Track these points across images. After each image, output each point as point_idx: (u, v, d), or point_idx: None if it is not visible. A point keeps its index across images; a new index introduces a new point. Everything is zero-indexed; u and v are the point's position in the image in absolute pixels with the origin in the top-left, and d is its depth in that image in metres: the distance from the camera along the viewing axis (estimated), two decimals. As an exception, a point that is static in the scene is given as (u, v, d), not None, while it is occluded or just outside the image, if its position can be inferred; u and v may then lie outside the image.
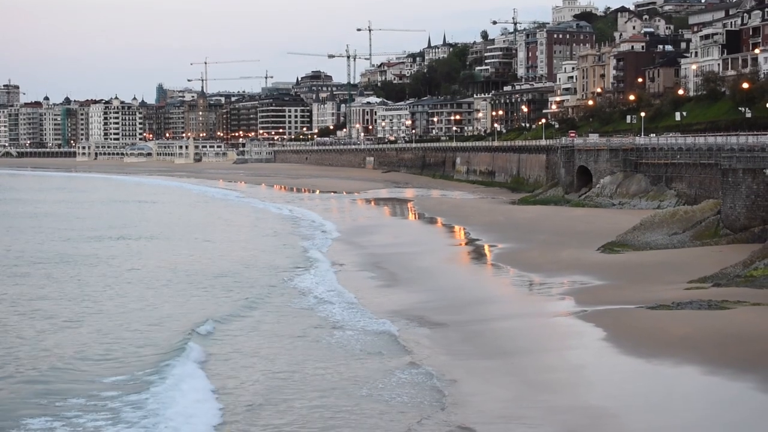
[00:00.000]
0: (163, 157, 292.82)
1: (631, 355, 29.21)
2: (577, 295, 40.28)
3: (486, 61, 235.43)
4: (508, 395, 25.90)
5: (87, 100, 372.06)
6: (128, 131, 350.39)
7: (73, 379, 28.56)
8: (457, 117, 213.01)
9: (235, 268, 52.85)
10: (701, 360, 27.71)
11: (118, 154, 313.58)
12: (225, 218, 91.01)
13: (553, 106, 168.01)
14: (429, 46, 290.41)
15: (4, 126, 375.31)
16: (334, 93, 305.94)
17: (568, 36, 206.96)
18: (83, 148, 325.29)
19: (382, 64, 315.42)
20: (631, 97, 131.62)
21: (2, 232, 74.51)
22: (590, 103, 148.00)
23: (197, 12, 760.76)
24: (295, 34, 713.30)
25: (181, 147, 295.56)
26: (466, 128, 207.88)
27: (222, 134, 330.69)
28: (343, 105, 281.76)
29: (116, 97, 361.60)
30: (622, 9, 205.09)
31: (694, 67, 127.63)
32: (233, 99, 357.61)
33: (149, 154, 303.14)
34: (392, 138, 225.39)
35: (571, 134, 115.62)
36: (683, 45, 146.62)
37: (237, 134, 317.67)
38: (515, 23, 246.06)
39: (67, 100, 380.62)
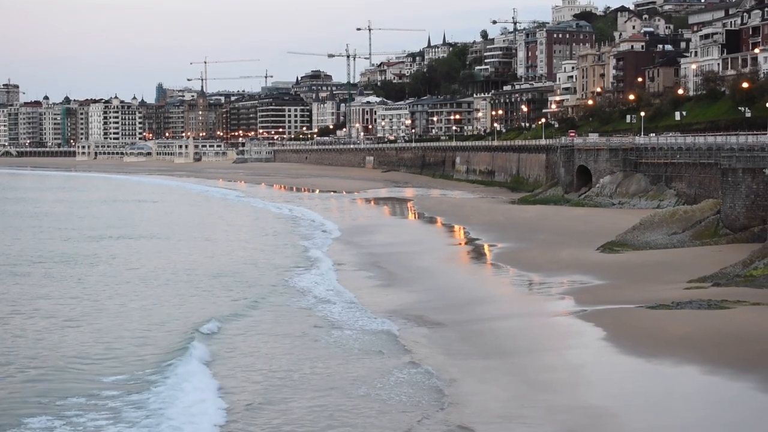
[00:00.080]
0: (163, 157, 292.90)
1: (630, 355, 29.21)
2: (577, 295, 40.29)
3: (486, 60, 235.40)
4: (508, 395, 25.90)
5: (87, 99, 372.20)
6: (128, 131, 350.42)
7: (75, 379, 28.53)
8: (457, 116, 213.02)
9: (235, 267, 52.86)
10: (701, 360, 27.71)
11: (117, 153, 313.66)
12: (225, 218, 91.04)
13: (553, 106, 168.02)
14: (429, 46, 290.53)
15: (4, 125, 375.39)
16: (334, 92, 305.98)
17: (567, 35, 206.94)
18: (83, 147, 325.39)
19: (381, 63, 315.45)
20: (631, 97, 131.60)
21: (2, 231, 74.49)
22: (590, 102, 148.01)
23: (197, 12, 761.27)
24: (294, 34, 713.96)
25: (180, 146, 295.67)
26: (465, 128, 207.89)
27: (222, 134, 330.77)
28: (342, 104, 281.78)
29: (116, 97, 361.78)
30: (622, 9, 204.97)
31: (693, 66, 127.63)
32: (233, 98, 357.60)
33: (149, 154, 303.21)
34: (392, 137, 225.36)
35: (571, 134, 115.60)
36: (683, 45, 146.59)
37: (237, 134, 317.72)
38: (515, 23, 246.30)
39: (67, 100, 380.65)
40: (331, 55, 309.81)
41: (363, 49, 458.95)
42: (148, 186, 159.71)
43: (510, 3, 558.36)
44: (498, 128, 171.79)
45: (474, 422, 23.63)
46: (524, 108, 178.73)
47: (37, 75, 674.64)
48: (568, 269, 47.88)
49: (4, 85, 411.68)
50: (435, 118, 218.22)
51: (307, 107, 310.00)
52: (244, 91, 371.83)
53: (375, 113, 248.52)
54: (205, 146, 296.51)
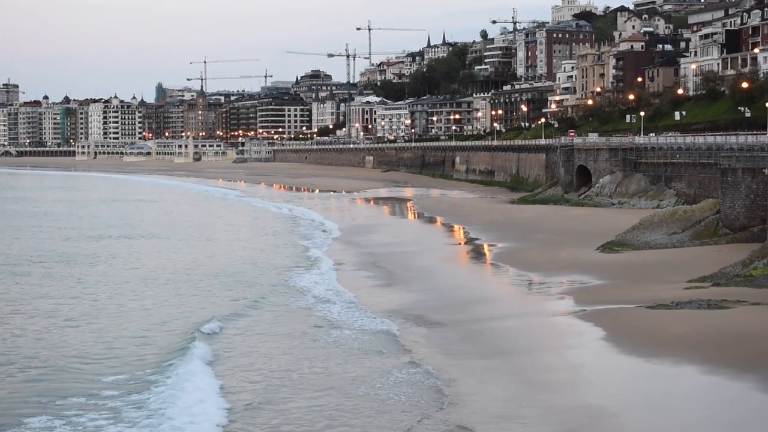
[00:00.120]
0: (163, 156, 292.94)
1: (630, 355, 29.21)
2: (577, 295, 40.29)
3: (485, 60, 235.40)
4: (507, 394, 25.90)
5: (86, 99, 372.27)
6: (127, 130, 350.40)
7: (75, 379, 28.51)
8: (457, 116, 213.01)
9: (235, 267, 52.85)
10: (701, 359, 27.71)
11: (117, 153, 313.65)
12: (225, 217, 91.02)
13: (553, 106, 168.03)
14: (428, 46, 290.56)
15: (4, 125, 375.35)
16: (334, 92, 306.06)
17: (567, 35, 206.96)
18: (82, 147, 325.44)
19: (381, 63, 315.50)
20: (631, 97, 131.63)
21: (2, 231, 74.48)
22: (590, 102, 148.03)
23: (197, 12, 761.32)
24: (294, 34, 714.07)
25: (180, 146, 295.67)
26: (465, 127, 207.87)
27: (221, 133, 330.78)
28: (342, 104, 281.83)
29: (115, 96, 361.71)
30: (622, 8, 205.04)
31: (693, 66, 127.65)
32: (232, 98, 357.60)
33: (148, 153, 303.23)
34: (391, 137, 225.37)
35: (571, 134, 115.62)
36: (683, 44, 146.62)
37: (236, 133, 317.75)
38: (515, 22, 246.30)
39: (67, 99, 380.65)
40: (330, 55, 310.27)
41: (363, 49, 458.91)
42: (147, 186, 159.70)
43: (509, 3, 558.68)
44: (498, 128, 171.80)
45: (473, 422, 23.62)
46: (524, 108, 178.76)
47: (37, 75, 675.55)
48: (567, 269, 47.88)
49: (3, 84, 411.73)
50: (435, 118, 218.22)
51: (307, 107, 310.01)
52: (243, 90, 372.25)
53: (375, 113, 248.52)
54: (204, 146, 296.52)
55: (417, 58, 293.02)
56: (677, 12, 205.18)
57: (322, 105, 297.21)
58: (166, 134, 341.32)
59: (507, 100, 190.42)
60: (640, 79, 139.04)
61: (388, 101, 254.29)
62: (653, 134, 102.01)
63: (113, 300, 42.06)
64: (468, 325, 35.41)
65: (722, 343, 29.20)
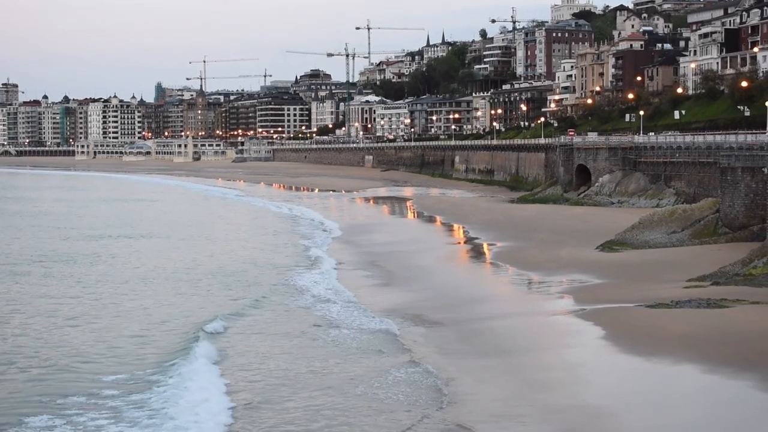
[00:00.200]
0: (162, 156, 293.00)
1: (629, 354, 29.22)
2: (576, 294, 40.32)
3: (485, 59, 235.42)
4: (506, 394, 25.91)
5: (86, 98, 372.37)
6: (127, 130, 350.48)
7: (75, 378, 28.50)
8: (456, 116, 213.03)
9: (235, 266, 52.86)
10: (700, 359, 27.72)
11: (117, 152, 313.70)
12: (224, 217, 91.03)
13: (552, 105, 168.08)
14: (428, 45, 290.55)
15: (3, 125, 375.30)
16: (333, 92, 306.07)
17: (566, 34, 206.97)
18: (82, 146, 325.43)
19: (380, 62, 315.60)
20: (630, 96, 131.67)
21: (2, 230, 74.48)
22: (589, 101, 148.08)
23: (197, 11, 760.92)
24: (294, 33, 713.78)
25: (179, 146, 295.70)
26: (465, 127, 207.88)
27: (221, 133, 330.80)
28: (342, 104, 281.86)
29: (115, 96, 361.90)
30: (621, 7, 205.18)
31: (692, 65, 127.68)
32: (232, 98, 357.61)
33: (148, 153, 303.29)
34: (391, 137, 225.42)
35: (570, 133, 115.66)
36: (682, 43, 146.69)
37: (236, 133, 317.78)
38: (514, 22, 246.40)
39: (66, 99, 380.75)
40: (330, 55, 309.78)
41: (362, 49, 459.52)
42: (147, 185, 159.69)
43: (509, 2, 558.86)
44: (497, 127, 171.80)
45: (472, 421, 23.63)
46: (523, 107, 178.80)
47: (37, 74, 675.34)
48: (567, 268, 47.91)
49: (3, 84, 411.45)
50: (434, 117, 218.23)
51: (306, 106, 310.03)
52: (243, 90, 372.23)
53: (374, 112, 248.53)
54: (204, 145, 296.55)
55: (416, 57, 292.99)
56: (676, 11, 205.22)
57: (321, 104, 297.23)
58: (166, 134, 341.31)
59: (506, 100, 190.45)
60: (639, 79, 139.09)
61: (388, 101, 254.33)
62: (653, 133, 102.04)
63: (113, 299, 42.04)
64: (467, 324, 35.42)
65: (722, 342, 29.21)
